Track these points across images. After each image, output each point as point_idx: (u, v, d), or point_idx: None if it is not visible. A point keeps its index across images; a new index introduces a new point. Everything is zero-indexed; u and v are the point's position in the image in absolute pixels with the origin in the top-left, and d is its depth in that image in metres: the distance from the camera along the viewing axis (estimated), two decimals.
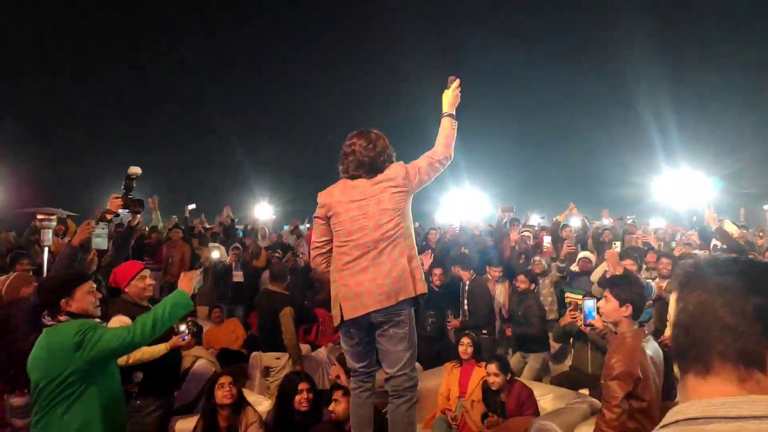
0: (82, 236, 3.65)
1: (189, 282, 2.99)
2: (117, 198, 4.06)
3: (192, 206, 10.08)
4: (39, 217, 4.88)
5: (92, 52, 22.97)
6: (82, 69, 23.03)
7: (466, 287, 5.97)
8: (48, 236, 5.00)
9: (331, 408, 3.67)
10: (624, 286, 2.84)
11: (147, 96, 23.58)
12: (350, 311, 2.84)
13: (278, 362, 5.31)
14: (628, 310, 2.78)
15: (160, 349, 3.50)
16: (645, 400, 2.61)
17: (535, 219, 12.56)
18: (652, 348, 2.78)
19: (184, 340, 3.56)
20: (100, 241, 3.74)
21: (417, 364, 5.32)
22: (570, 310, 4.72)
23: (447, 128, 3.11)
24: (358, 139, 3.02)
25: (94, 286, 2.91)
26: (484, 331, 5.77)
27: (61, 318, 2.68)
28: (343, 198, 2.95)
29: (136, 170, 4.16)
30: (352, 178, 3.00)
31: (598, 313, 3.31)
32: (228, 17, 26.18)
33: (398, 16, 24.05)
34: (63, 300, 2.69)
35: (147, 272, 3.63)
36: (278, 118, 25.14)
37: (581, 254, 7.07)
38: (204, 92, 24.49)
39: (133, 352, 3.24)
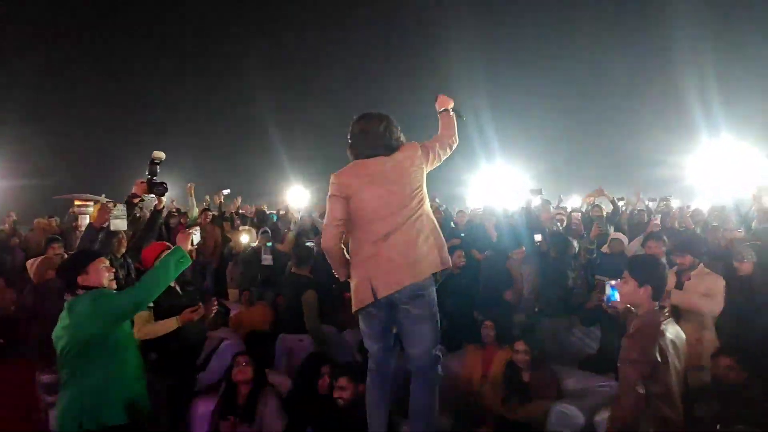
0: (101, 218, 3.73)
1: (185, 239, 3.19)
2: (141, 182, 4.13)
3: (226, 191, 10.18)
4: (76, 203, 5.07)
5: (132, 38, 23.49)
6: (119, 56, 23.59)
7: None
8: (85, 221, 5.18)
9: (336, 395, 3.62)
10: (643, 268, 2.74)
11: (184, 83, 24.00)
12: (384, 288, 2.82)
13: (302, 344, 5.35)
14: (646, 291, 2.68)
15: (171, 324, 3.57)
16: (664, 386, 2.52)
17: (575, 201, 12.21)
18: (673, 331, 2.67)
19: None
20: (119, 222, 3.82)
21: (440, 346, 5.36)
22: (597, 293, 4.60)
23: (450, 120, 3.32)
24: (368, 121, 3.05)
25: (107, 262, 3.13)
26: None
27: (79, 292, 2.93)
28: (364, 177, 2.94)
29: (159, 154, 4.22)
30: (368, 157, 2.99)
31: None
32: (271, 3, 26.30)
33: (443, 8, 23.80)
34: (79, 276, 2.94)
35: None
36: (315, 104, 25.20)
37: (612, 235, 6.86)
38: (241, 79, 24.76)
39: (145, 328, 3.35)
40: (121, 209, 3.83)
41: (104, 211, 3.75)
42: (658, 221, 7.45)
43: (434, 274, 2.90)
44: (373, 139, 2.98)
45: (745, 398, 3.39)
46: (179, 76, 24.68)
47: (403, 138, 3.10)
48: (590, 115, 22.38)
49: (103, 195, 5.78)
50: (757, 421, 3.09)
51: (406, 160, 2.95)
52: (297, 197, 13.93)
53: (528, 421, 3.93)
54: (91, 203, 5.09)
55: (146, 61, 24.10)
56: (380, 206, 2.87)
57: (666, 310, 2.72)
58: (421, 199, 2.94)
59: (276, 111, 23.06)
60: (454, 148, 3.26)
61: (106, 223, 3.83)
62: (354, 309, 2.95)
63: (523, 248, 6.09)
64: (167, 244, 3.90)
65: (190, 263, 3.13)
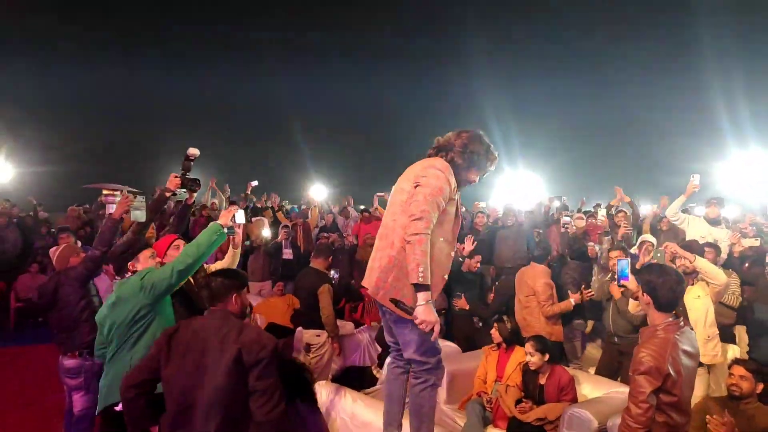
0: (122, 209, 3.86)
1: (227, 214, 3.42)
2: (176, 177, 4.25)
3: (255, 183, 10.30)
4: (104, 192, 5.19)
5: (164, 31, 23.92)
6: (142, 52, 24.04)
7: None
8: (112, 210, 5.33)
9: None
10: (647, 275, 2.69)
11: (206, 78, 24.35)
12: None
13: (318, 339, 5.44)
14: (646, 299, 2.67)
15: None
16: (675, 395, 2.51)
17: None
18: (688, 340, 2.66)
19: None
20: (139, 213, 3.92)
21: (454, 345, 5.40)
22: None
23: (418, 262, 2.51)
24: (470, 136, 2.89)
25: (155, 252, 3.43)
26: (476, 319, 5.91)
27: (128, 275, 3.24)
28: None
29: (194, 152, 4.34)
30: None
31: (633, 272, 3.23)
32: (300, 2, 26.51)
33: (454, 10, 23.79)
34: (130, 263, 3.28)
35: (180, 242, 3.81)
36: (338, 102, 25.37)
37: (643, 237, 6.81)
38: (266, 75, 25.03)
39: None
40: (140, 200, 3.93)
41: (124, 203, 3.86)
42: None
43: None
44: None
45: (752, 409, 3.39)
46: (208, 70, 25.01)
47: (459, 158, 2.85)
48: (616, 121, 22.11)
49: (126, 187, 5.95)
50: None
51: (410, 174, 2.83)
52: (317, 193, 14.15)
53: (542, 423, 3.95)
54: (118, 193, 5.21)
55: (175, 54, 24.49)
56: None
57: (681, 320, 2.71)
58: (394, 222, 2.76)
59: (298, 109, 23.35)
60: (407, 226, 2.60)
61: (126, 214, 3.95)
62: None
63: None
64: (175, 236, 4.03)
65: (225, 239, 3.32)
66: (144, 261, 3.30)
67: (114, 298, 3.10)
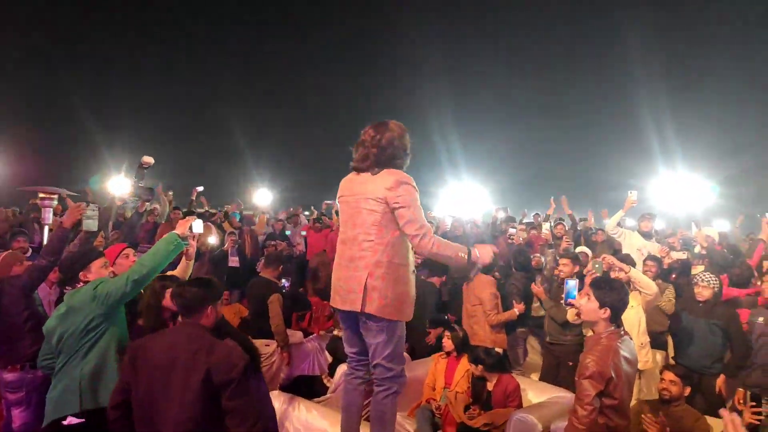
0: (73, 218, 3.73)
1: (183, 224, 3.41)
2: (129, 186, 4.15)
3: (200, 188, 10.13)
4: (41, 195, 4.95)
5: (99, 37, 23.14)
6: (88, 53, 23.19)
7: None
8: (49, 215, 5.07)
9: None
10: (607, 291, 2.90)
11: (149, 80, 23.70)
12: (332, 301, 2.99)
13: (267, 349, 5.40)
14: (606, 313, 2.87)
15: None
16: (615, 398, 2.71)
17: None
18: (627, 348, 2.87)
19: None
20: (91, 222, 3.81)
21: (405, 354, 5.49)
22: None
23: (455, 250, 2.95)
24: (371, 129, 2.94)
25: (107, 261, 3.33)
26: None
27: (79, 285, 3.17)
28: (345, 190, 3.01)
29: (149, 160, 4.26)
30: (357, 170, 2.98)
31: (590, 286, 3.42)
32: (235, 9, 26.29)
33: (403, 18, 24.30)
34: (82, 272, 3.19)
35: (129, 251, 3.75)
36: (283, 106, 25.26)
37: (579, 249, 7.15)
38: (207, 80, 24.63)
39: None
40: (93, 209, 3.82)
41: (76, 211, 3.73)
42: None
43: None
44: (365, 151, 2.97)
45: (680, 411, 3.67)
46: (149, 74, 24.34)
47: (405, 155, 2.99)
48: (555, 140, 23.31)
49: (65, 190, 5.71)
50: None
51: (373, 187, 2.87)
52: (262, 198, 14.00)
53: (489, 428, 4.09)
54: (56, 196, 5.01)
55: (117, 59, 23.73)
56: (344, 225, 3.03)
57: (621, 329, 2.92)
58: (369, 236, 2.85)
59: (243, 114, 23.07)
60: (418, 246, 2.85)
61: (77, 223, 3.82)
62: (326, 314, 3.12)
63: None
64: (124, 245, 3.95)
65: (182, 249, 3.30)
66: (96, 271, 3.22)
67: (65, 309, 3.01)
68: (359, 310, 2.80)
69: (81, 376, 2.88)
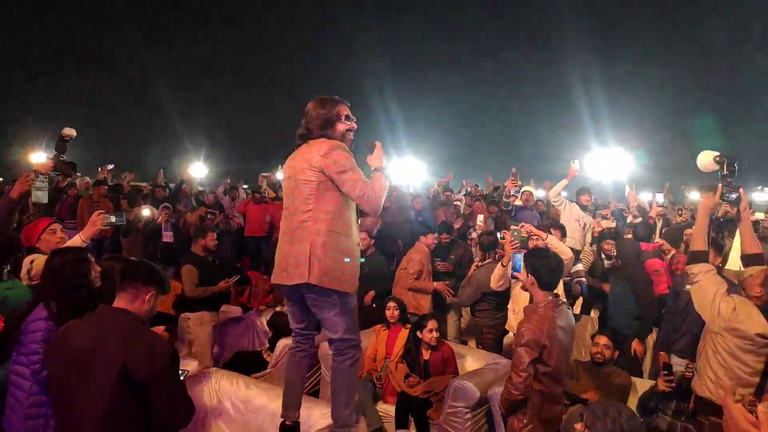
0: (22, 188, 3.45)
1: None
2: (50, 159, 3.87)
3: (110, 166, 9.66)
4: None
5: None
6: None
7: None
8: None
9: None
10: (531, 258, 3.02)
11: (78, 53, 22.44)
12: (273, 277, 2.93)
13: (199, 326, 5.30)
14: (530, 279, 2.97)
15: None
16: (550, 365, 2.81)
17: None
18: (564, 317, 2.97)
19: None
20: (41, 194, 3.55)
21: None
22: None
23: (379, 182, 2.87)
24: (311, 103, 2.92)
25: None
26: None
27: None
28: (287, 167, 2.97)
29: (70, 132, 3.98)
30: (297, 146, 2.96)
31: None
32: None
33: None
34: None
35: (57, 226, 3.53)
36: (214, 78, 24.47)
37: (524, 188, 7.37)
38: (136, 54, 23.54)
39: None
40: (42, 180, 3.55)
41: (24, 181, 3.45)
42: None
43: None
44: (303, 126, 2.96)
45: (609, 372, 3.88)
46: (74, 48, 22.93)
47: (338, 127, 2.91)
48: (492, 116, 23.92)
49: None
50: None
51: (308, 157, 2.81)
52: (196, 171, 13.53)
53: (428, 396, 4.19)
54: None
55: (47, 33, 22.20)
56: (286, 201, 2.97)
57: (559, 298, 3.02)
58: (308, 207, 2.80)
59: (175, 86, 22.15)
60: (363, 206, 2.85)
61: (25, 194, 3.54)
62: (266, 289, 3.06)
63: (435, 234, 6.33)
64: (51, 219, 3.71)
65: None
66: None
67: None
68: (306, 281, 2.73)
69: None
